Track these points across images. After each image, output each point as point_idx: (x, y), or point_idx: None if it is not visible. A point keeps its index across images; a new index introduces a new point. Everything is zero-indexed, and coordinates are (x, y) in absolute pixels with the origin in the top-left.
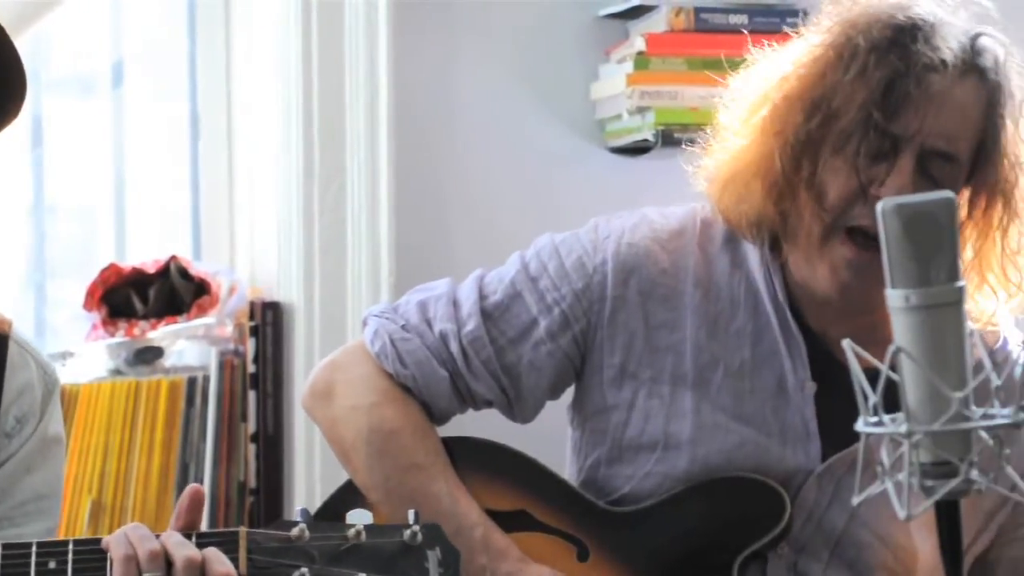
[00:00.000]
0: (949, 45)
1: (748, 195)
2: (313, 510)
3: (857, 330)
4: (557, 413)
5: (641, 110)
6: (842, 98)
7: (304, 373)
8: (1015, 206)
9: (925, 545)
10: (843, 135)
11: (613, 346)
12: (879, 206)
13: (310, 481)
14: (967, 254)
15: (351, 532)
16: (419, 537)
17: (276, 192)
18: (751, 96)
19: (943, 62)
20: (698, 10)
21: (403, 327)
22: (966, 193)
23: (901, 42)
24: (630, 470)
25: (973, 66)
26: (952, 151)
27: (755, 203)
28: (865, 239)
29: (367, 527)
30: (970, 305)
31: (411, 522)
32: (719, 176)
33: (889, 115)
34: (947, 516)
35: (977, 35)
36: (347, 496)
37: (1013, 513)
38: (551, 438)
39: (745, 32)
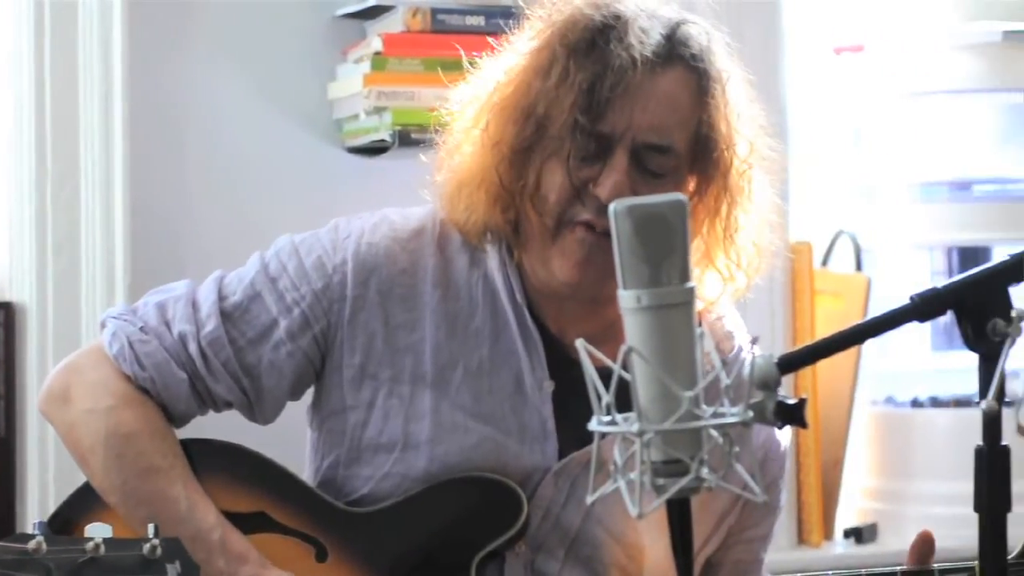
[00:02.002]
0: (646, 39)
1: (475, 206)
2: (47, 517)
3: (595, 330)
4: (299, 414)
5: (378, 110)
6: (549, 105)
7: (37, 376)
8: (732, 187)
9: (656, 545)
10: (555, 141)
11: (353, 346)
12: (611, 207)
13: (43, 487)
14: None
15: (90, 545)
16: (159, 551)
17: (8, 193)
18: (470, 107)
19: (640, 57)
20: (435, 11)
21: (141, 329)
22: (692, 180)
23: (597, 44)
24: (369, 471)
25: (676, 56)
26: (665, 143)
27: (482, 213)
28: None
29: (106, 540)
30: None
31: (151, 536)
32: (447, 188)
33: (595, 117)
34: (678, 514)
35: (678, 24)
36: (83, 501)
37: (741, 515)
38: (292, 439)
39: (482, 33)
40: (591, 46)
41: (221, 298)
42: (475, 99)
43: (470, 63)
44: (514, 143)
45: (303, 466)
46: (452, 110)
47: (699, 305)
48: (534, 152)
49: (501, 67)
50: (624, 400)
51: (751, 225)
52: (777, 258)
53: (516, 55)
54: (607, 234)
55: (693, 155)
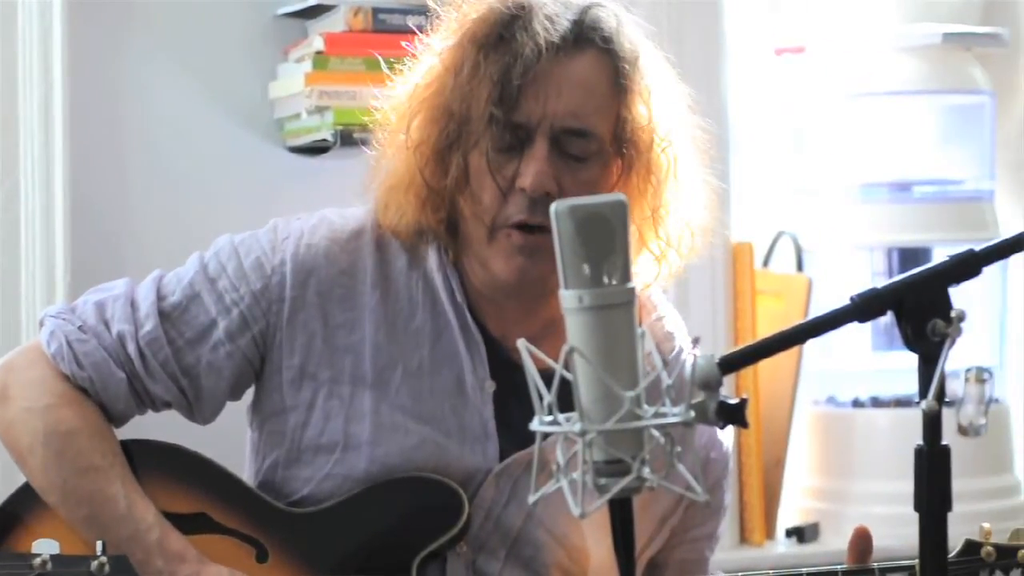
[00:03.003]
0: (551, 26)
1: (404, 209)
2: None
3: (536, 331)
4: (239, 414)
5: (320, 110)
6: (464, 101)
7: None
8: (655, 166)
9: (599, 547)
10: (475, 137)
11: (292, 347)
12: (553, 208)
13: None
14: None
15: (37, 562)
16: (106, 568)
17: None
18: (394, 112)
19: (546, 44)
20: (376, 10)
21: (80, 328)
22: (617, 163)
23: (505, 35)
24: (309, 472)
25: (585, 40)
26: (584, 127)
27: (414, 216)
28: (530, 227)
29: (53, 557)
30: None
31: (98, 553)
32: (378, 193)
33: (509, 108)
34: (620, 513)
35: (587, 9)
36: (20, 502)
37: (684, 516)
38: (232, 439)
39: (423, 33)
40: (499, 39)
41: (160, 298)
42: (398, 103)
43: (389, 67)
44: (435, 143)
45: (243, 467)
46: (377, 117)
47: (638, 287)
48: (456, 150)
49: (421, 70)
50: (566, 400)
51: (680, 204)
52: (716, 236)
53: (433, 57)
54: (542, 228)
55: (615, 138)
